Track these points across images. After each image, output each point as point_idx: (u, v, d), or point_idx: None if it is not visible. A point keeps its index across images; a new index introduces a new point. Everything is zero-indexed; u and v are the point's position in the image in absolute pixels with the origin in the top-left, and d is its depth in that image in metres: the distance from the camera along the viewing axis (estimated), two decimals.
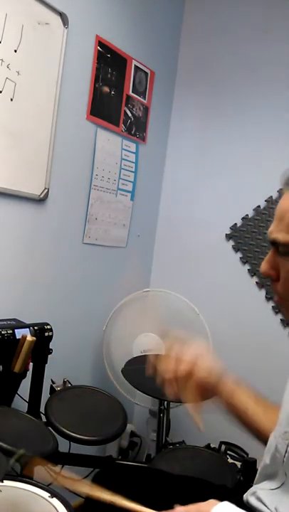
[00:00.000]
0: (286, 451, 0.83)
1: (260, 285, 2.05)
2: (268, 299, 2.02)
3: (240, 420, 0.99)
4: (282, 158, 1.85)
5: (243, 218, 2.10)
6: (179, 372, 0.95)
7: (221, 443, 1.82)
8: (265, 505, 0.85)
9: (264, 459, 0.90)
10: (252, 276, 2.08)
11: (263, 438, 0.95)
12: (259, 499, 0.86)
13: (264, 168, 2.04)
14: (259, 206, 2.06)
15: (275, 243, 0.78)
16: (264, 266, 0.80)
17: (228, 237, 2.14)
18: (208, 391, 0.98)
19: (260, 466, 0.92)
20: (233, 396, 0.97)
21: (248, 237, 2.09)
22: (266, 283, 2.03)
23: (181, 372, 0.95)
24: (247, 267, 2.10)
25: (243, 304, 2.10)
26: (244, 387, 0.99)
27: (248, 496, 0.90)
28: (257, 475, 0.92)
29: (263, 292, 2.04)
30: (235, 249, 2.13)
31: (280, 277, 0.78)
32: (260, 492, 0.88)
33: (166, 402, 1.73)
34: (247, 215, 2.09)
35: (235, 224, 2.12)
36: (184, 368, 0.96)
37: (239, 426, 1.00)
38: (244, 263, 2.11)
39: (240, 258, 2.12)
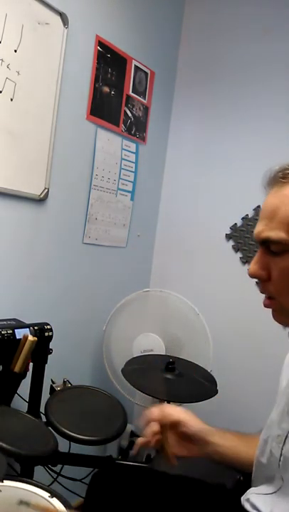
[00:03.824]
0: (281, 455, 0.82)
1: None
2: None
3: (234, 463, 1.00)
4: (283, 157, 1.85)
5: (243, 218, 2.10)
6: (163, 420, 0.96)
7: None
8: (260, 511, 0.84)
9: (259, 460, 0.89)
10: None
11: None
12: (253, 505, 0.86)
13: (264, 168, 2.03)
14: (259, 206, 2.06)
15: (265, 242, 0.76)
16: (253, 267, 0.78)
17: (228, 237, 2.14)
18: (191, 444, 0.98)
19: (254, 468, 0.91)
20: (220, 444, 0.98)
21: (248, 237, 2.09)
22: None
23: (165, 420, 0.96)
24: (247, 266, 2.09)
25: (243, 304, 2.09)
26: (224, 432, 1.00)
27: (244, 501, 0.89)
28: (253, 476, 0.92)
29: None
30: (235, 249, 2.13)
31: (272, 277, 0.77)
32: (254, 497, 0.87)
33: (166, 402, 1.73)
34: (247, 215, 2.09)
35: (235, 224, 2.12)
36: (169, 418, 0.97)
37: (233, 467, 1.01)
38: (244, 263, 2.11)
39: (240, 258, 2.12)
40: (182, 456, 0.98)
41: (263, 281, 0.79)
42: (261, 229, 0.77)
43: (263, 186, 0.79)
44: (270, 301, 0.80)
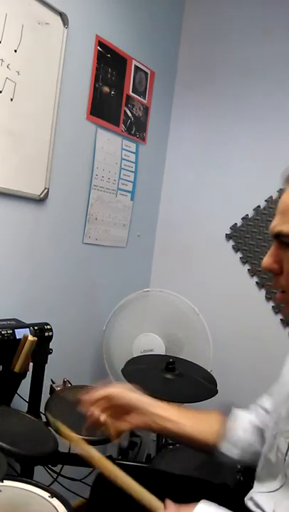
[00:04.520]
0: (288, 449, 0.82)
1: (260, 285, 2.05)
2: (268, 299, 2.02)
3: (177, 438, 1.01)
4: (283, 158, 1.85)
5: (243, 218, 2.10)
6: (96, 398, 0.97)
7: None
8: (263, 510, 0.84)
9: (267, 456, 0.89)
10: (252, 276, 2.08)
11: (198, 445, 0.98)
12: (256, 504, 0.86)
13: (264, 168, 2.03)
14: (259, 206, 2.06)
15: (278, 236, 0.78)
16: (267, 260, 0.80)
17: (228, 237, 2.14)
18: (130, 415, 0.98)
19: (260, 464, 0.91)
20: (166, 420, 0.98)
21: (248, 237, 2.09)
22: (266, 283, 2.03)
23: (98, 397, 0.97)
24: (247, 267, 2.10)
25: (243, 304, 2.10)
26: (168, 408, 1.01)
27: (247, 501, 0.89)
28: (257, 472, 0.91)
29: (263, 292, 2.04)
30: (235, 249, 2.13)
31: (284, 270, 0.79)
32: (257, 496, 0.87)
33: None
34: (247, 215, 2.09)
35: (235, 224, 2.12)
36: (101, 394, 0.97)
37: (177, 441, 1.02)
38: (244, 263, 2.11)
39: (240, 258, 2.12)
40: (125, 430, 0.99)
41: (276, 275, 0.81)
42: (275, 223, 0.80)
43: (283, 181, 0.82)
44: (282, 295, 0.82)
